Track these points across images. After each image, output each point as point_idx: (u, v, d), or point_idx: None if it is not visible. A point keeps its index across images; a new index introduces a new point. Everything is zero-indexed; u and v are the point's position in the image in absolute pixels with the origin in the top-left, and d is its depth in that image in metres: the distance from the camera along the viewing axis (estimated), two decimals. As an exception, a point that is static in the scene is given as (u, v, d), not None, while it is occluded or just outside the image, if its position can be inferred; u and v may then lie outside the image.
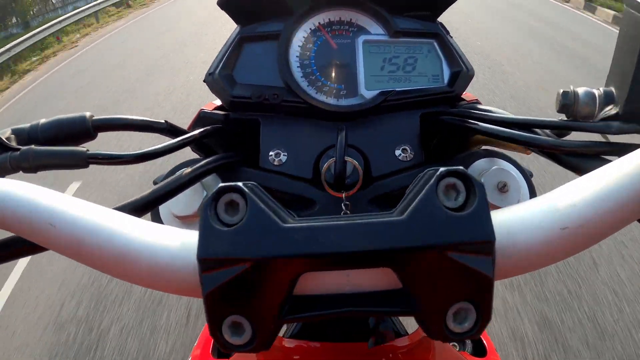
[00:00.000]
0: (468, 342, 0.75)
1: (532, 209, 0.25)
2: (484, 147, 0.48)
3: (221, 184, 0.24)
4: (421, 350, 0.48)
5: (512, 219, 0.25)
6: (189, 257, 0.24)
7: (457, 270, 0.23)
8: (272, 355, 0.47)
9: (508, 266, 0.25)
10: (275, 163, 0.46)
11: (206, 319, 0.24)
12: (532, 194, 0.43)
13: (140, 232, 0.25)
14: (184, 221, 0.42)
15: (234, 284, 0.23)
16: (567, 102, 0.36)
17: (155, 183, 0.46)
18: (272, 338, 0.24)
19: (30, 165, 0.36)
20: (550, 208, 0.25)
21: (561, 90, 0.36)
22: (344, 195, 0.43)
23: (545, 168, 2.52)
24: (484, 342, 0.76)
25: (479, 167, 0.44)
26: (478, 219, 0.23)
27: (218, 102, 0.54)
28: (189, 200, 0.42)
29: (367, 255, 0.22)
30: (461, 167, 0.24)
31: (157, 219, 0.43)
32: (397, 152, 0.47)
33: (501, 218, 0.25)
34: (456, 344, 0.74)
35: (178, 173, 0.41)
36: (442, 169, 0.24)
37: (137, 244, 0.25)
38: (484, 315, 0.24)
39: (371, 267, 0.23)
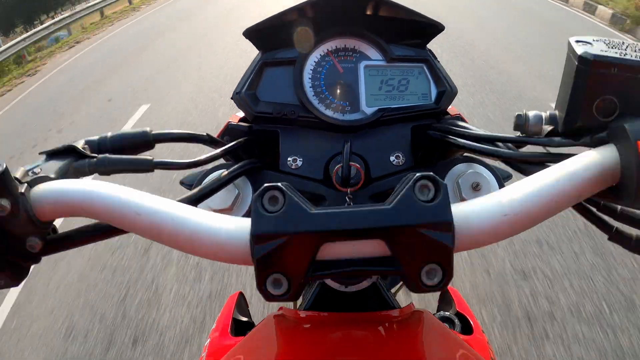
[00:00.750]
0: (456, 321, 0.85)
1: (483, 201, 0.36)
2: (463, 154, 0.59)
3: (266, 184, 0.34)
4: (412, 322, 0.58)
5: (468, 208, 0.36)
6: (243, 235, 0.35)
7: (428, 242, 0.34)
8: (288, 323, 0.57)
9: (465, 241, 0.35)
10: (293, 167, 0.57)
11: (255, 277, 0.35)
12: None
13: (203, 219, 0.36)
14: (219, 213, 0.53)
15: (276, 252, 0.33)
16: (520, 123, 0.46)
17: (181, 183, 0.57)
18: (301, 291, 0.35)
19: (105, 170, 0.46)
20: (497, 199, 0.36)
21: (516, 114, 0.47)
22: (348, 190, 0.54)
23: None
24: (471, 321, 0.86)
25: (457, 171, 0.55)
26: (440, 207, 0.34)
27: (241, 114, 0.64)
28: (224, 197, 0.53)
29: (367, 231, 0.33)
30: (431, 173, 0.35)
31: None
32: (392, 159, 0.57)
33: (461, 207, 0.36)
34: (446, 324, 0.85)
35: (216, 175, 0.52)
36: (417, 174, 0.35)
37: (203, 228, 0.35)
38: (447, 274, 0.34)
39: (369, 239, 0.34)
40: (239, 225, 0.35)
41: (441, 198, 0.34)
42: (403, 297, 2.05)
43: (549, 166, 0.44)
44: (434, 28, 0.60)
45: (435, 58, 0.62)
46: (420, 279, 0.34)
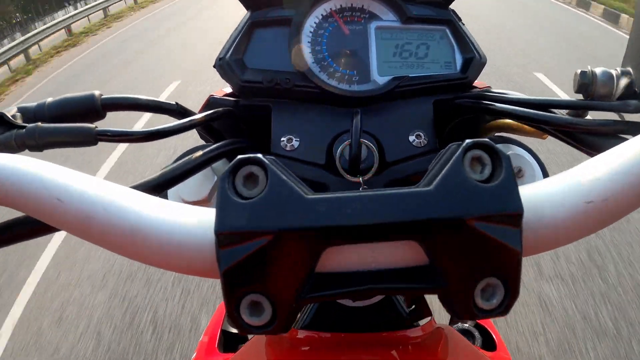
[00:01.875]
0: (477, 335, 0.74)
1: (557, 184, 0.25)
2: (497, 134, 0.47)
3: (240, 156, 0.23)
4: (433, 341, 0.47)
5: (538, 193, 0.24)
6: (205, 233, 0.23)
7: (485, 244, 0.23)
8: (282, 345, 0.46)
9: (536, 241, 0.24)
10: (288, 149, 0.46)
11: (223, 298, 0.23)
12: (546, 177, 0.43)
13: (153, 208, 0.24)
14: (193, 206, 0.42)
15: (253, 259, 0.22)
16: (585, 82, 0.35)
17: None
18: (293, 319, 0.23)
19: (36, 143, 0.35)
20: (574, 183, 0.25)
21: (579, 70, 0.36)
22: (361, 179, 0.42)
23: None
24: (494, 336, 0.75)
25: None
26: (506, 191, 0.22)
27: (228, 90, 0.53)
28: (199, 185, 0.41)
29: (393, 227, 0.22)
30: (487, 139, 0.23)
31: None
32: (411, 138, 0.46)
33: (527, 192, 0.24)
34: (466, 338, 0.74)
35: (188, 157, 0.41)
36: (467, 140, 0.23)
37: (150, 220, 0.24)
38: (512, 292, 0.23)
39: (397, 240, 0.22)
40: (203, 219, 0.24)
41: (504, 176, 0.23)
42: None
43: (624, 138, 0.34)
44: None
45: (460, 20, 0.51)
46: (474, 300, 0.23)
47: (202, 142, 0.52)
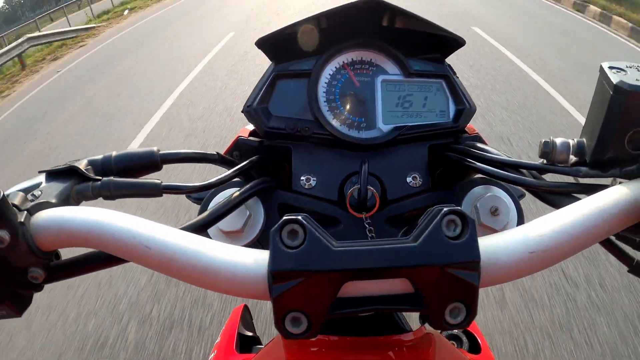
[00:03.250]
0: (464, 339, 0.84)
1: (509, 237, 0.34)
2: (480, 176, 0.57)
3: (285, 217, 0.33)
4: (423, 345, 0.57)
5: (494, 244, 0.34)
6: (261, 270, 0.33)
7: (453, 281, 0.32)
8: (298, 346, 0.56)
9: (490, 278, 0.34)
10: (306, 187, 0.55)
11: (273, 315, 0.33)
12: (520, 215, 0.52)
13: (218, 251, 0.34)
14: (228, 236, 0.51)
15: (295, 290, 0.32)
16: (547, 150, 0.45)
17: (187, 196, 0.55)
18: (321, 328, 0.33)
19: (110, 194, 0.43)
20: (522, 236, 0.34)
21: (542, 140, 0.45)
22: (364, 215, 0.52)
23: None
24: (479, 340, 0.85)
25: (476, 193, 0.53)
26: (469, 246, 0.32)
27: (251, 127, 0.62)
28: (235, 218, 0.50)
29: (391, 270, 0.32)
30: (460, 208, 0.33)
31: (205, 234, 0.50)
32: (409, 179, 0.56)
33: (486, 243, 0.34)
34: (454, 342, 0.83)
35: (226, 197, 0.50)
36: (445, 208, 0.33)
37: (219, 262, 0.33)
38: (471, 312, 0.33)
39: (394, 278, 0.32)
40: (257, 260, 0.34)
41: (469, 235, 0.32)
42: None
43: (575, 197, 0.43)
44: (453, 42, 0.57)
45: (455, 73, 0.60)
46: (444, 318, 0.33)
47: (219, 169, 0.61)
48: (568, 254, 0.34)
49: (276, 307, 0.32)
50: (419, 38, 0.58)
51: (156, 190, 0.44)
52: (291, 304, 0.32)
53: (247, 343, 0.82)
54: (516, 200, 0.53)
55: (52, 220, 0.34)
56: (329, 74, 0.58)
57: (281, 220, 0.32)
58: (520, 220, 0.52)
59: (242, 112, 0.59)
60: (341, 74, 0.59)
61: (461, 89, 0.59)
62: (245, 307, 0.93)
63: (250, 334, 0.85)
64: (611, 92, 0.38)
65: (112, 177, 0.44)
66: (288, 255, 0.32)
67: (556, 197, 0.44)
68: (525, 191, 0.54)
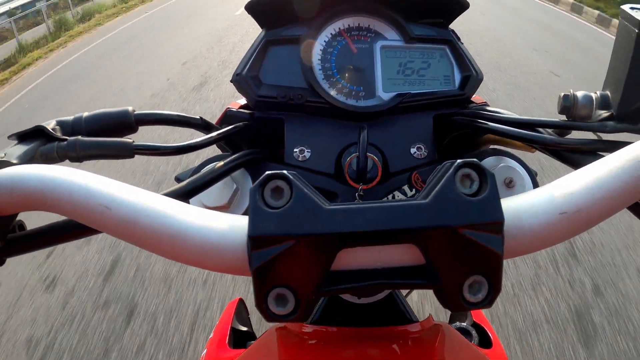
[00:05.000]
0: (474, 334, 0.78)
1: (535, 197, 0.29)
2: (491, 147, 0.51)
3: (268, 172, 0.27)
4: (431, 336, 0.52)
5: (518, 205, 0.29)
6: (238, 237, 0.27)
7: (472, 248, 0.27)
8: (292, 339, 0.50)
9: (515, 246, 0.28)
10: (300, 159, 0.50)
11: (254, 292, 0.27)
12: (536, 187, 0.47)
13: (190, 215, 0.28)
14: (214, 211, 0.46)
15: (279, 259, 0.26)
16: (567, 105, 0.40)
17: (177, 179, 0.50)
18: (311, 309, 0.28)
19: (77, 155, 0.39)
20: (551, 195, 0.29)
21: (562, 94, 0.40)
22: (360, 186, 0.47)
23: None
24: (489, 334, 0.79)
25: (487, 164, 0.47)
26: (490, 203, 0.27)
27: (242, 102, 0.57)
28: (219, 192, 0.45)
29: (396, 233, 0.26)
30: (475, 159, 0.28)
31: None
32: (412, 150, 0.50)
33: (509, 204, 0.29)
34: (463, 335, 0.78)
35: (210, 166, 0.45)
36: (459, 160, 0.28)
37: (189, 226, 0.28)
38: (495, 288, 0.27)
39: (399, 243, 0.27)
40: (234, 225, 0.28)
41: (489, 191, 0.27)
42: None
43: (602, 156, 0.38)
44: (457, 5, 0.53)
45: (459, 39, 0.55)
46: (462, 295, 0.27)
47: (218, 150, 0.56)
48: (603, 215, 0.29)
49: (257, 281, 0.27)
50: (419, 1, 0.54)
51: (127, 151, 0.39)
52: (274, 278, 0.27)
53: (241, 338, 0.77)
54: (530, 171, 0.47)
55: (5, 178, 0.29)
56: (324, 41, 0.54)
57: (263, 176, 0.27)
58: None
59: (231, 81, 0.54)
60: (337, 41, 0.54)
61: (467, 56, 0.54)
62: (241, 301, 0.88)
63: (245, 328, 0.79)
64: (637, 31, 0.33)
65: (79, 137, 0.39)
66: (271, 215, 0.26)
67: (579, 157, 0.39)
68: (536, 170, 0.49)
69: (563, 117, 0.42)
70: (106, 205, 0.28)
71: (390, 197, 0.48)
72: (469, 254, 0.27)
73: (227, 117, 0.55)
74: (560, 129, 0.41)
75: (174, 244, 0.28)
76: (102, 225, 0.29)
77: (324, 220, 0.26)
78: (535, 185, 0.47)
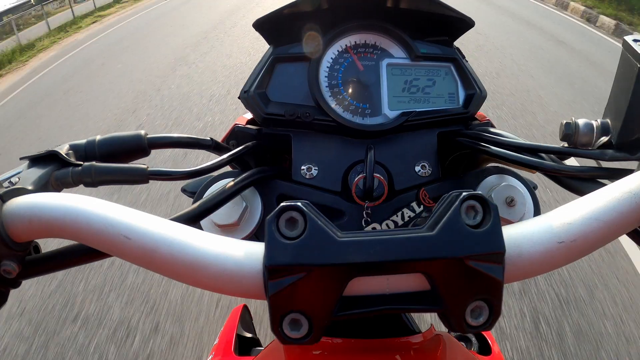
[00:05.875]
0: (474, 340, 0.80)
1: (535, 226, 0.31)
2: (493, 164, 0.53)
3: (283, 204, 0.29)
4: (433, 346, 0.53)
5: (519, 234, 0.30)
6: (254, 265, 0.29)
7: (474, 275, 0.28)
8: (299, 348, 0.52)
9: (515, 272, 0.30)
10: (307, 177, 0.51)
11: (269, 317, 0.29)
12: (536, 207, 0.48)
13: (207, 243, 0.30)
14: (223, 229, 0.47)
15: (294, 287, 0.28)
16: (569, 132, 0.41)
17: (183, 190, 0.51)
18: (323, 332, 0.29)
19: (92, 180, 0.40)
20: (550, 225, 0.31)
21: (564, 122, 0.41)
22: (366, 204, 0.48)
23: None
24: (489, 341, 0.81)
25: (489, 183, 0.49)
26: (492, 235, 0.28)
27: (248, 116, 0.59)
28: (229, 210, 0.46)
29: (404, 264, 0.28)
30: (480, 192, 0.29)
31: (198, 227, 0.47)
32: (417, 168, 0.52)
33: (510, 233, 0.30)
34: (463, 343, 0.79)
35: (220, 186, 0.46)
36: (464, 193, 0.29)
37: (207, 254, 0.29)
38: (495, 312, 0.29)
39: (407, 272, 0.28)
40: (250, 253, 0.30)
41: (492, 223, 0.29)
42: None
43: (601, 183, 0.40)
44: (462, 23, 0.54)
45: (464, 57, 0.56)
46: (465, 319, 0.29)
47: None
48: (599, 243, 0.31)
49: (272, 307, 0.28)
50: (425, 19, 0.55)
51: (142, 176, 0.40)
52: (290, 304, 0.28)
53: (246, 345, 0.78)
54: (532, 190, 0.49)
55: (24, 207, 0.31)
56: (331, 58, 0.55)
57: (278, 207, 0.29)
58: (537, 211, 0.48)
59: (239, 98, 0.55)
60: (344, 58, 0.55)
61: (471, 74, 0.55)
62: (245, 307, 0.89)
63: (249, 335, 0.81)
64: (639, 65, 0.34)
65: (93, 162, 0.40)
66: (286, 246, 0.28)
67: (579, 183, 0.40)
68: (536, 183, 0.50)
69: (564, 144, 0.44)
70: (125, 235, 0.29)
71: (399, 214, 0.50)
72: (471, 281, 0.29)
73: (235, 132, 0.56)
74: (561, 155, 0.43)
75: (193, 273, 0.29)
76: (122, 253, 0.30)
77: (337, 251, 0.27)
78: (536, 202, 0.49)
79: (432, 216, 0.30)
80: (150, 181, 0.41)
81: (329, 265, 0.27)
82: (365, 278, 0.29)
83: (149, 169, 0.41)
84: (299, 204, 0.29)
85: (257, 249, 0.30)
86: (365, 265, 0.28)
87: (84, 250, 0.35)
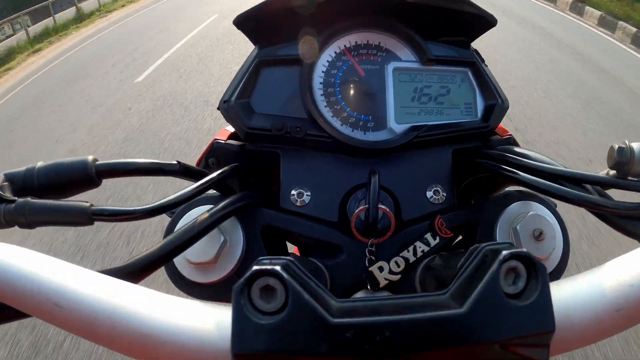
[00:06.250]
0: None
1: (587, 289, 0.24)
2: (516, 188, 0.45)
3: (255, 267, 0.21)
4: None
5: (569, 302, 0.23)
6: (225, 347, 0.21)
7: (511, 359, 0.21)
8: None
9: (559, 347, 0.24)
10: (298, 204, 0.43)
11: None
12: (566, 240, 0.41)
13: (164, 311, 0.23)
14: (199, 267, 0.39)
15: None
16: (622, 159, 0.33)
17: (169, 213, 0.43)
18: None
19: (26, 221, 0.32)
20: (606, 288, 0.24)
21: (616, 146, 0.33)
22: (369, 242, 0.40)
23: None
24: None
25: (513, 212, 0.41)
26: (541, 309, 0.21)
27: (231, 129, 0.50)
28: (205, 245, 0.38)
29: (425, 355, 0.20)
30: (525, 250, 0.22)
31: (170, 265, 0.39)
32: (429, 194, 0.44)
33: (558, 301, 0.23)
34: None
35: (191, 217, 0.38)
36: (504, 251, 0.21)
37: (161, 326, 0.22)
38: None
39: None
40: (218, 326, 0.22)
41: (539, 293, 0.21)
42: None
43: None
44: (482, 21, 0.46)
45: (483, 61, 0.48)
46: None
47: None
48: None
49: None
50: (438, 16, 0.46)
51: (83, 217, 0.32)
52: None
53: None
54: (560, 219, 0.41)
55: None
56: (327, 61, 0.47)
57: (249, 272, 0.21)
58: (566, 245, 0.40)
59: (218, 108, 0.47)
60: (342, 61, 0.47)
61: (491, 80, 0.47)
62: None
63: None
64: None
65: (28, 199, 0.32)
66: (259, 328, 0.20)
67: (635, 224, 0.33)
68: (555, 201, 0.42)
69: (609, 171, 0.36)
70: (56, 302, 0.23)
71: (411, 249, 0.41)
72: None
73: (214, 149, 0.48)
74: (611, 187, 0.35)
75: (144, 348, 0.23)
76: (54, 322, 0.24)
77: (330, 339, 0.20)
78: (565, 234, 0.41)
79: (459, 276, 0.22)
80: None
81: (317, 356, 0.20)
82: None
83: (92, 207, 0.33)
84: (276, 268, 0.21)
85: (228, 319, 0.22)
86: (371, 358, 0.20)
87: (6, 308, 0.27)
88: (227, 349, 0.21)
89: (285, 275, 0.21)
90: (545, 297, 0.21)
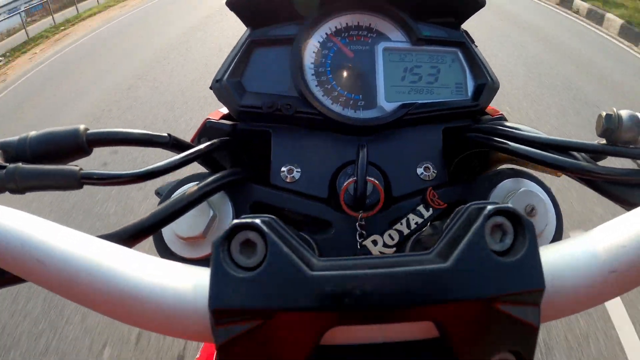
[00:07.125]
0: None
1: (580, 251, 0.23)
2: (509, 166, 0.45)
3: (235, 221, 0.21)
4: None
5: (560, 262, 0.23)
6: (201, 303, 0.21)
7: (501, 321, 0.21)
8: None
9: (552, 311, 0.23)
10: (288, 180, 0.43)
11: None
12: (559, 217, 0.40)
13: (144, 270, 0.23)
14: (188, 242, 0.39)
15: (251, 336, 0.20)
16: (610, 126, 0.33)
17: (157, 193, 0.43)
18: None
19: (16, 186, 0.32)
20: (598, 249, 0.23)
21: (604, 113, 0.33)
22: (360, 215, 0.40)
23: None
24: None
25: (505, 188, 0.41)
26: (529, 266, 0.21)
27: (224, 110, 0.50)
28: (194, 220, 0.38)
29: (407, 310, 0.20)
30: (511, 206, 0.21)
31: (159, 240, 0.39)
32: (419, 171, 0.44)
33: (549, 260, 0.22)
34: None
35: (181, 192, 0.38)
36: (489, 206, 0.21)
37: (141, 285, 0.22)
38: None
39: (410, 321, 0.20)
40: (197, 284, 0.22)
41: (527, 248, 0.21)
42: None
43: None
44: (472, 2, 0.46)
45: (473, 42, 0.48)
46: None
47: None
48: None
49: (223, 359, 0.20)
50: None
51: (72, 180, 0.32)
52: (245, 356, 0.20)
53: None
54: (553, 196, 0.41)
55: None
56: (318, 42, 0.47)
57: (229, 226, 0.21)
58: (559, 223, 0.40)
59: (211, 88, 0.47)
60: (333, 42, 0.47)
61: (481, 60, 0.47)
62: None
63: None
64: None
65: (19, 164, 0.32)
66: (237, 282, 0.20)
67: (625, 191, 0.32)
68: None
69: (600, 140, 0.35)
70: (38, 258, 0.22)
71: (404, 222, 0.41)
72: (496, 327, 0.21)
73: (207, 129, 0.48)
74: (599, 154, 0.35)
75: (122, 306, 0.22)
76: (35, 280, 0.24)
77: (309, 291, 0.19)
78: (558, 212, 0.41)
79: (444, 236, 0.22)
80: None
81: (296, 309, 0.19)
82: (349, 327, 0.21)
83: (82, 171, 0.33)
84: (256, 221, 0.21)
85: (206, 278, 0.22)
86: (350, 312, 0.20)
87: None
88: (206, 306, 0.21)
89: (265, 228, 0.20)
90: (534, 254, 0.21)
